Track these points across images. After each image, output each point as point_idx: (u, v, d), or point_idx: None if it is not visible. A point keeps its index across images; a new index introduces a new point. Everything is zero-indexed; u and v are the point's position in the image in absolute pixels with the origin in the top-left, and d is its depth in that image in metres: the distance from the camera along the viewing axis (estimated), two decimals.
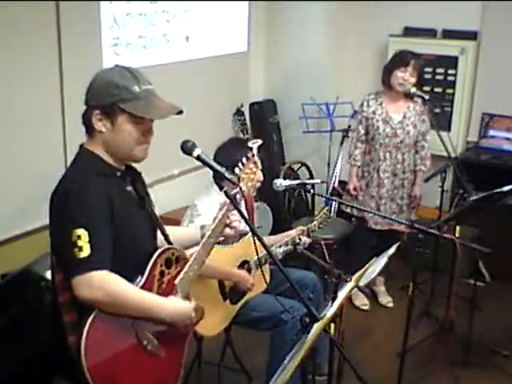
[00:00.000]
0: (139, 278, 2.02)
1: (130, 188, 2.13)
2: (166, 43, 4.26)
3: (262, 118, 5.27)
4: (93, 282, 1.88)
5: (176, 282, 2.10)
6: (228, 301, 2.99)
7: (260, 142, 2.96)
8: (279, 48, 5.31)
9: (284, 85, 5.33)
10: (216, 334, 2.98)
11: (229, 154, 3.04)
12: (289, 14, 5.19)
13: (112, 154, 2.07)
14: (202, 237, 2.24)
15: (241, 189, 2.21)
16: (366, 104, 4.10)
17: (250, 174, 2.31)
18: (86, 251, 1.89)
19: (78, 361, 1.85)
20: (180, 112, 2.08)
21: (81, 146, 2.12)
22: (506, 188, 3.23)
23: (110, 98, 2.00)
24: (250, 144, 2.88)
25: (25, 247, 3.40)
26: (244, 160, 2.26)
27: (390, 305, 4.38)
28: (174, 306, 2.06)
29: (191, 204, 3.05)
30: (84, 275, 1.88)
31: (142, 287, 2.01)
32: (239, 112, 4.97)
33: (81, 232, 1.90)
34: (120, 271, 1.96)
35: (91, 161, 2.06)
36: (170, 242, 2.21)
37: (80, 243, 1.89)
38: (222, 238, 2.31)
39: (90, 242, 1.89)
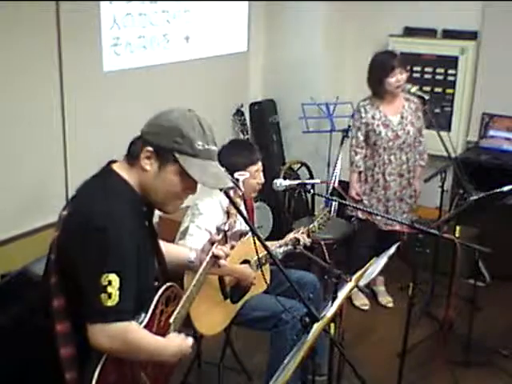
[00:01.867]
0: (142, 315, 1.95)
1: (147, 223, 2.01)
2: (166, 43, 4.26)
3: (262, 117, 5.27)
4: (115, 333, 1.79)
5: (171, 321, 2.03)
6: (228, 300, 2.99)
7: (247, 175, 2.90)
8: (279, 48, 5.31)
9: (284, 85, 5.32)
10: (216, 334, 2.97)
11: (231, 156, 3.06)
12: (289, 14, 5.19)
13: (144, 194, 1.94)
14: (190, 262, 2.23)
15: (241, 190, 2.23)
16: (363, 110, 4.08)
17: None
18: (114, 299, 1.76)
19: None
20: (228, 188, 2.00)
21: (109, 164, 1.96)
22: (505, 188, 3.23)
23: (170, 143, 1.87)
24: (236, 175, 2.74)
25: (25, 247, 3.40)
26: (231, 193, 2.15)
27: (390, 305, 4.38)
28: (176, 345, 2.00)
29: (192, 204, 3.06)
30: (108, 325, 1.77)
31: (146, 326, 1.94)
32: (239, 112, 4.96)
33: (112, 278, 1.76)
34: None
35: (125, 189, 1.91)
36: (166, 276, 2.11)
37: (110, 289, 1.76)
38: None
39: (120, 289, 1.77)
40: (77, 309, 1.82)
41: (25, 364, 2.08)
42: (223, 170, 2.00)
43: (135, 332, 1.86)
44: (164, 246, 2.19)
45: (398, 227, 4.11)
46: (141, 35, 4.05)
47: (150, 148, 1.88)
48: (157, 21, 4.15)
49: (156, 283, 2.06)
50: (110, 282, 1.76)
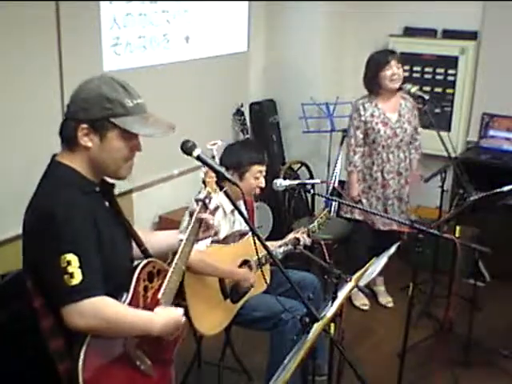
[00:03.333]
0: (124, 295, 1.96)
1: (107, 203, 2.04)
2: (166, 43, 4.26)
3: (262, 118, 5.27)
4: (86, 310, 1.79)
5: (159, 296, 2.03)
6: (228, 300, 2.99)
7: (219, 142, 2.74)
8: (279, 48, 5.31)
9: (284, 85, 5.33)
10: (216, 334, 2.98)
11: (238, 152, 3.08)
12: (289, 14, 5.19)
13: (95, 170, 1.96)
14: (180, 242, 2.19)
15: (241, 189, 2.23)
16: (362, 108, 4.08)
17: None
18: (77, 278, 1.78)
19: None
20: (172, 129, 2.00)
21: (53, 158, 2.00)
22: (506, 188, 3.23)
23: (102, 112, 1.88)
24: (208, 146, 2.65)
25: None
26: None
27: (390, 305, 4.38)
28: (163, 317, 1.99)
29: (191, 203, 3.05)
30: (77, 304, 1.78)
31: (129, 304, 1.95)
32: (239, 112, 4.96)
33: (70, 257, 1.78)
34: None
35: (71, 176, 1.93)
36: (146, 254, 2.13)
37: (70, 269, 1.78)
38: (199, 241, 2.26)
39: (80, 267, 1.79)
40: (53, 302, 1.84)
41: (25, 364, 2.08)
42: (160, 116, 1.99)
43: (108, 306, 1.86)
44: (151, 233, 2.31)
45: (396, 226, 4.11)
46: (141, 35, 4.05)
47: (84, 125, 1.89)
48: (157, 21, 4.15)
49: (135, 263, 2.06)
50: (69, 263, 1.78)
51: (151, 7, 4.09)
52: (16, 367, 2.11)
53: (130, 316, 1.92)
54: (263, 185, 3.14)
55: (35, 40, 3.40)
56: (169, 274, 2.06)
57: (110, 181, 2.08)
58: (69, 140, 1.94)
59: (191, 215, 2.18)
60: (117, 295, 1.94)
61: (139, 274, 2.00)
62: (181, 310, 2.07)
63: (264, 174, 3.14)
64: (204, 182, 2.21)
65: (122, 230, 2.08)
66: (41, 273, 1.86)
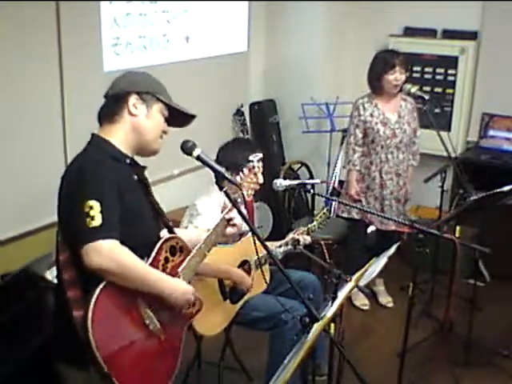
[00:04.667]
0: (145, 259, 2.07)
1: (136, 177, 2.19)
2: (166, 43, 4.26)
3: (262, 117, 5.27)
4: (103, 250, 1.92)
5: (179, 269, 2.17)
6: (228, 300, 2.99)
7: (261, 155, 3.08)
8: (279, 48, 5.31)
9: (284, 85, 5.33)
10: (216, 334, 2.98)
11: (231, 154, 3.07)
12: (289, 14, 5.19)
13: (133, 141, 2.16)
14: None
15: (241, 189, 2.29)
16: (361, 108, 4.08)
17: (250, 184, 2.71)
18: (97, 220, 1.93)
19: (84, 332, 1.88)
20: (193, 116, 2.31)
21: (92, 135, 2.18)
22: (506, 188, 3.23)
23: (149, 87, 2.17)
24: (251, 157, 3.00)
25: (25, 247, 3.40)
26: (246, 171, 2.50)
27: (390, 305, 4.38)
28: (176, 284, 2.13)
29: (191, 204, 3.06)
30: (95, 243, 1.91)
31: None
32: (239, 112, 4.97)
33: (93, 203, 1.94)
34: None
35: (103, 145, 2.13)
36: (172, 233, 2.25)
37: (92, 213, 1.93)
38: (224, 239, 2.45)
39: (101, 212, 1.94)
40: (76, 253, 1.96)
41: (24, 364, 2.08)
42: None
43: (124, 252, 1.98)
44: (184, 232, 2.51)
45: (393, 226, 4.10)
46: (141, 35, 4.05)
47: (135, 96, 2.15)
48: (157, 21, 4.15)
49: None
50: (91, 207, 1.94)
51: (151, 7, 4.10)
52: (15, 367, 2.12)
53: (142, 267, 2.03)
54: (261, 181, 3.13)
55: (35, 40, 3.40)
56: (192, 253, 2.23)
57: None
58: (113, 113, 2.16)
59: (222, 211, 2.35)
60: (140, 258, 2.05)
61: (162, 243, 2.14)
62: (192, 288, 2.19)
63: (261, 170, 3.13)
64: (239, 185, 2.34)
65: (149, 204, 2.23)
66: (68, 222, 2.02)
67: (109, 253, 1.93)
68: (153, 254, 2.10)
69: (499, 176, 3.86)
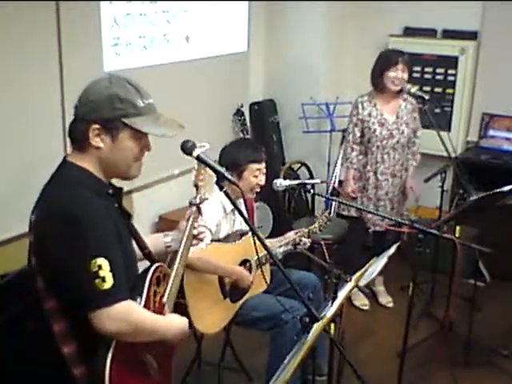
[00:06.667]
0: (138, 299, 1.94)
1: (116, 205, 2.00)
2: (166, 43, 4.26)
3: (262, 117, 5.27)
4: (118, 314, 1.79)
5: (164, 300, 2.03)
6: (228, 299, 2.99)
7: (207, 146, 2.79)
8: (279, 48, 5.31)
9: (284, 85, 5.33)
10: (216, 334, 2.98)
11: (232, 154, 3.08)
12: (289, 14, 5.19)
13: (106, 170, 1.94)
14: (167, 246, 2.22)
15: (241, 189, 2.24)
16: (360, 106, 4.09)
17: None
18: (109, 282, 1.76)
19: None
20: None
21: (64, 158, 1.97)
22: (506, 188, 3.23)
23: (113, 112, 1.87)
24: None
25: (25, 247, 3.38)
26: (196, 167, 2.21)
27: (390, 305, 4.38)
28: (176, 322, 2.03)
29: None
30: (109, 307, 1.77)
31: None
32: (239, 112, 4.96)
33: (101, 261, 1.76)
34: None
35: (85, 178, 1.91)
36: (150, 257, 2.12)
37: (102, 274, 1.76)
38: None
39: (111, 271, 1.77)
40: (71, 307, 1.81)
41: (25, 364, 2.08)
42: (169, 116, 1.98)
43: (137, 311, 1.87)
44: (147, 240, 2.21)
45: (384, 228, 4.11)
46: (141, 35, 4.05)
47: (96, 125, 1.87)
48: (157, 21, 4.15)
49: (146, 267, 2.05)
50: (100, 267, 1.76)
51: (151, 7, 4.09)
52: (15, 368, 2.10)
53: (153, 321, 1.93)
54: (263, 182, 3.13)
55: (35, 40, 3.40)
56: (171, 278, 2.07)
57: (117, 184, 2.07)
58: (79, 141, 1.92)
59: (187, 220, 2.19)
60: (132, 299, 1.93)
61: (151, 278, 1.99)
62: (186, 320, 2.08)
63: (264, 171, 3.13)
64: (196, 186, 2.22)
65: (129, 231, 2.06)
66: (63, 277, 1.81)
67: (125, 316, 1.80)
68: (144, 292, 1.95)
69: (499, 176, 3.86)
